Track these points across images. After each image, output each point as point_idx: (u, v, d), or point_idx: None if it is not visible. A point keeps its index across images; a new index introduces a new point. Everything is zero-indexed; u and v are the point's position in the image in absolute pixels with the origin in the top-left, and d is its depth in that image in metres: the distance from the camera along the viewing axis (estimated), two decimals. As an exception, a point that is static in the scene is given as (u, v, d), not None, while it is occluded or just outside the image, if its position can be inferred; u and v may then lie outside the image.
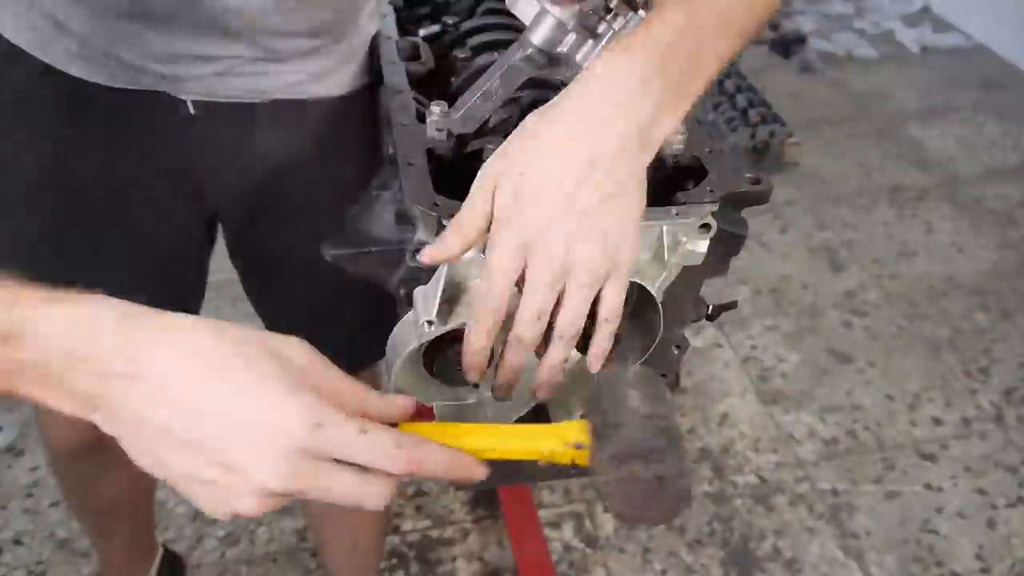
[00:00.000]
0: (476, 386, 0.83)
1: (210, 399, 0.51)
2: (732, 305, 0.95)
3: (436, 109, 0.82)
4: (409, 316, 0.75)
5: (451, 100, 0.84)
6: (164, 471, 0.53)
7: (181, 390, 0.51)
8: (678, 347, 0.86)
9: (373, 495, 0.54)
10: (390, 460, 0.54)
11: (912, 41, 3.87)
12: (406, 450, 0.54)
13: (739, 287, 2.53)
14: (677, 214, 0.74)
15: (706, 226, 0.75)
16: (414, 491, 1.95)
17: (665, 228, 0.75)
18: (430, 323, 0.71)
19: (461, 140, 0.84)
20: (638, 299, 0.78)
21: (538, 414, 0.83)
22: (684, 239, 0.76)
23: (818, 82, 3.62)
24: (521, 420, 0.86)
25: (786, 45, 3.77)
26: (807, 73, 3.66)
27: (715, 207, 0.75)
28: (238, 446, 0.50)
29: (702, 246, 0.76)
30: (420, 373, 0.80)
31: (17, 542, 1.82)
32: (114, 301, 0.53)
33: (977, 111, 3.39)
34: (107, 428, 0.52)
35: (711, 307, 0.87)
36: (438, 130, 0.82)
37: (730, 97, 3.12)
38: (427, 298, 0.72)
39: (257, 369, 0.52)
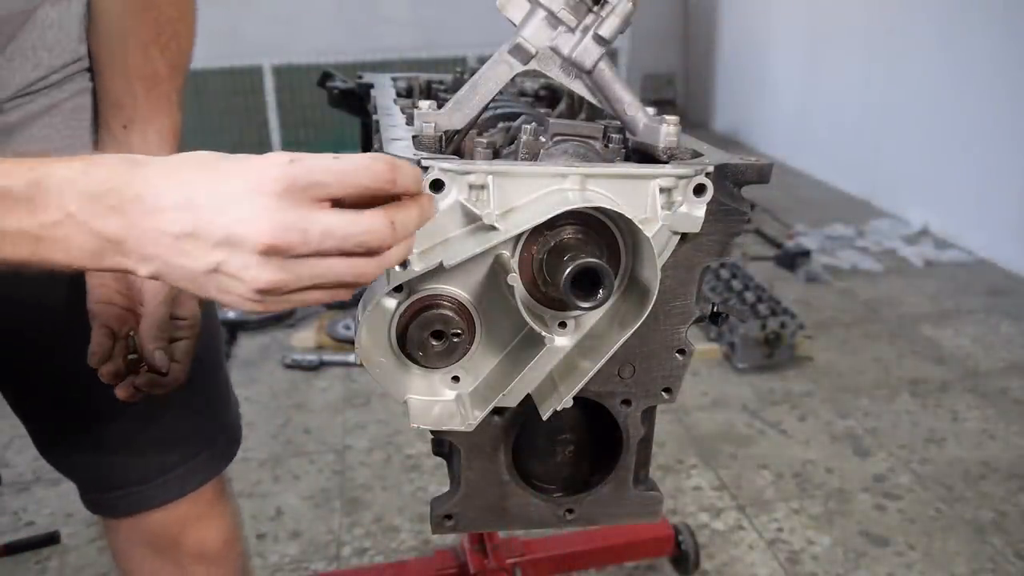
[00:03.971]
0: (456, 379, 0.74)
1: (199, 187, 0.56)
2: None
3: (424, 104, 0.81)
4: (384, 273, 0.69)
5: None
6: (191, 278, 0.58)
7: (176, 192, 0.56)
8: (681, 351, 0.78)
9: (364, 223, 0.57)
10: (366, 170, 0.57)
11: (915, 255, 3.96)
12: (383, 160, 0.58)
13: (760, 471, 2.38)
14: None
15: (701, 188, 0.71)
16: None
17: (659, 185, 0.70)
18: (403, 262, 0.65)
19: (448, 135, 0.83)
20: (634, 266, 0.72)
21: (525, 404, 0.73)
22: (680, 199, 0.71)
23: (825, 290, 3.67)
24: (500, 412, 0.76)
25: (791, 259, 3.86)
26: (814, 282, 3.72)
27: (710, 169, 0.71)
28: (230, 214, 0.55)
29: (699, 210, 0.72)
30: (394, 356, 0.72)
31: None
32: (119, 154, 0.60)
33: (989, 314, 3.38)
34: (138, 267, 0.58)
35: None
36: (425, 123, 0.81)
37: (738, 294, 3.14)
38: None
39: (234, 158, 0.58)
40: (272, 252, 0.55)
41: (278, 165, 0.55)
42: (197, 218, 0.55)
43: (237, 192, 0.55)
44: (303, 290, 0.58)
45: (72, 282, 0.94)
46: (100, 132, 0.97)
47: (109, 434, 1.04)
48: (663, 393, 0.79)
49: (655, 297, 0.68)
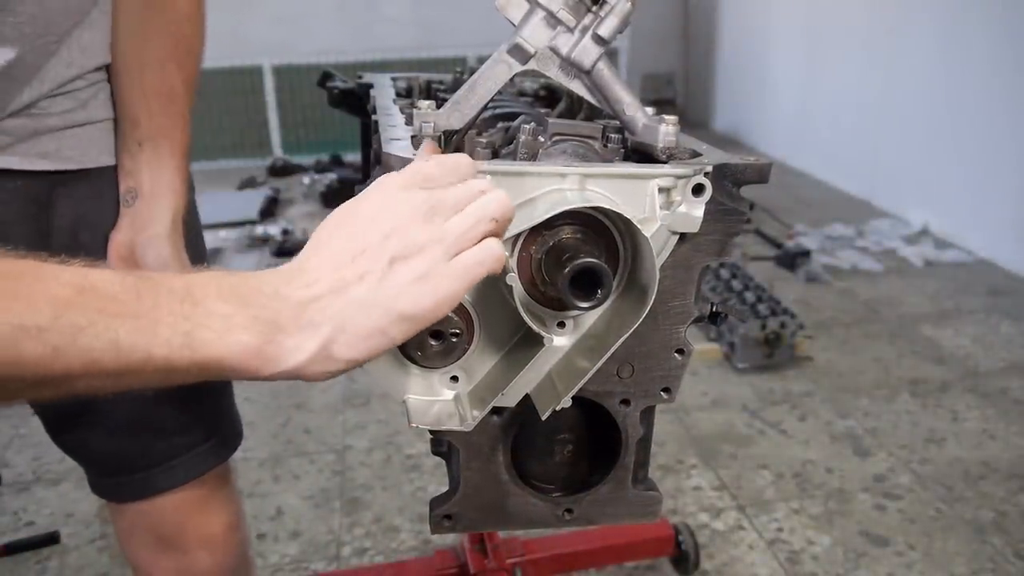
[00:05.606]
0: (454, 379, 0.74)
1: (330, 238, 0.60)
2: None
3: (423, 104, 0.81)
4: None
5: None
6: (375, 303, 0.56)
7: (310, 255, 0.59)
8: (680, 351, 0.78)
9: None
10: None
11: (915, 255, 3.96)
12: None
13: (760, 471, 2.38)
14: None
15: (700, 188, 0.71)
16: None
17: (657, 185, 0.70)
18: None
19: (447, 135, 0.83)
20: (633, 266, 0.72)
21: (523, 404, 0.73)
22: (678, 199, 0.71)
23: (825, 290, 3.67)
24: (499, 412, 0.76)
25: (791, 259, 3.86)
26: (814, 282, 3.72)
27: (709, 168, 0.71)
28: (377, 223, 0.58)
29: (698, 210, 0.72)
30: (392, 356, 0.72)
31: None
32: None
33: (989, 314, 3.38)
34: (303, 339, 0.56)
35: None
36: (424, 123, 0.81)
37: (738, 294, 3.14)
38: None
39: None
40: (429, 211, 0.59)
41: (409, 172, 0.62)
42: (348, 248, 0.58)
43: (374, 206, 0.60)
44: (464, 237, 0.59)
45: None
46: (117, 142, 1.00)
47: (118, 420, 1.05)
48: (662, 393, 0.79)
49: (654, 297, 0.68)
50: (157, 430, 1.07)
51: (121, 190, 1.00)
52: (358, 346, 0.57)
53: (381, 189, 0.61)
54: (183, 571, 1.14)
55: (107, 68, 0.98)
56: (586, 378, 0.71)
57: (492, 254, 0.60)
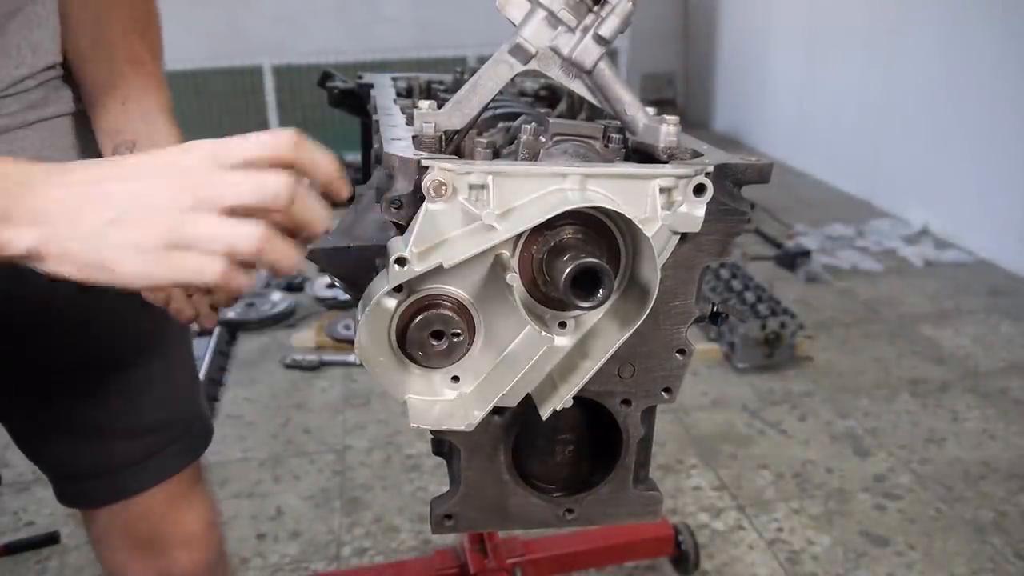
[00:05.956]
0: (456, 379, 0.74)
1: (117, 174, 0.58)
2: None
3: (424, 104, 0.81)
4: (383, 274, 0.69)
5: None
6: (88, 237, 0.55)
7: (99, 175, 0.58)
8: (681, 351, 0.78)
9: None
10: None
11: (915, 255, 3.96)
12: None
13: (760, 471, 2.38)
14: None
15: (701, 188, 0.71)
16: None
17: (659, 185, 0.70)
18: (403, 262, 0.65)
19: (448, 135, 0.83)
20: (634, 266, 0.72)
21: (525, 404, 0.73)
22: (680, 199, 0.71)
23: (825, 290, 3.67)
24: (500, 412, 0.76)
25: (791, 259, 3.86)
26: (814, 282, 3.72)
27: (710, 169, 0.71)
28: (169, 178, 0.59)
29: (699, 210, 0.71)
30: (393, 356, 0.72)
31: None
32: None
33: (989, 314, 3.38)
34: (21, 233, 0.54)
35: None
36: (425, 123, 0.81)
37: (738, 294, 3.14)
38: (403, 240, 0.67)
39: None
40: (203, 201, 0.59)
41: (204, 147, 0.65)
42: (124, 171, 0.58)
43: (191, 155, 0.63)
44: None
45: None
46: (97, 112, 0.99)
47: (85, 423, 1.05)
48: (663, 393, 0.79)
49: (655, 297, 0.68)
50: (128, 432, 1.06)
51: (109, 149, 0.98)
52: (67, 261, 0.56)
53: (208, 148, 0.63)
54: (162, 572, 1.13)
55: (61, 67, 0.97)
56: (587, 378, 0.71)
57: (211, 273, 0.58)
